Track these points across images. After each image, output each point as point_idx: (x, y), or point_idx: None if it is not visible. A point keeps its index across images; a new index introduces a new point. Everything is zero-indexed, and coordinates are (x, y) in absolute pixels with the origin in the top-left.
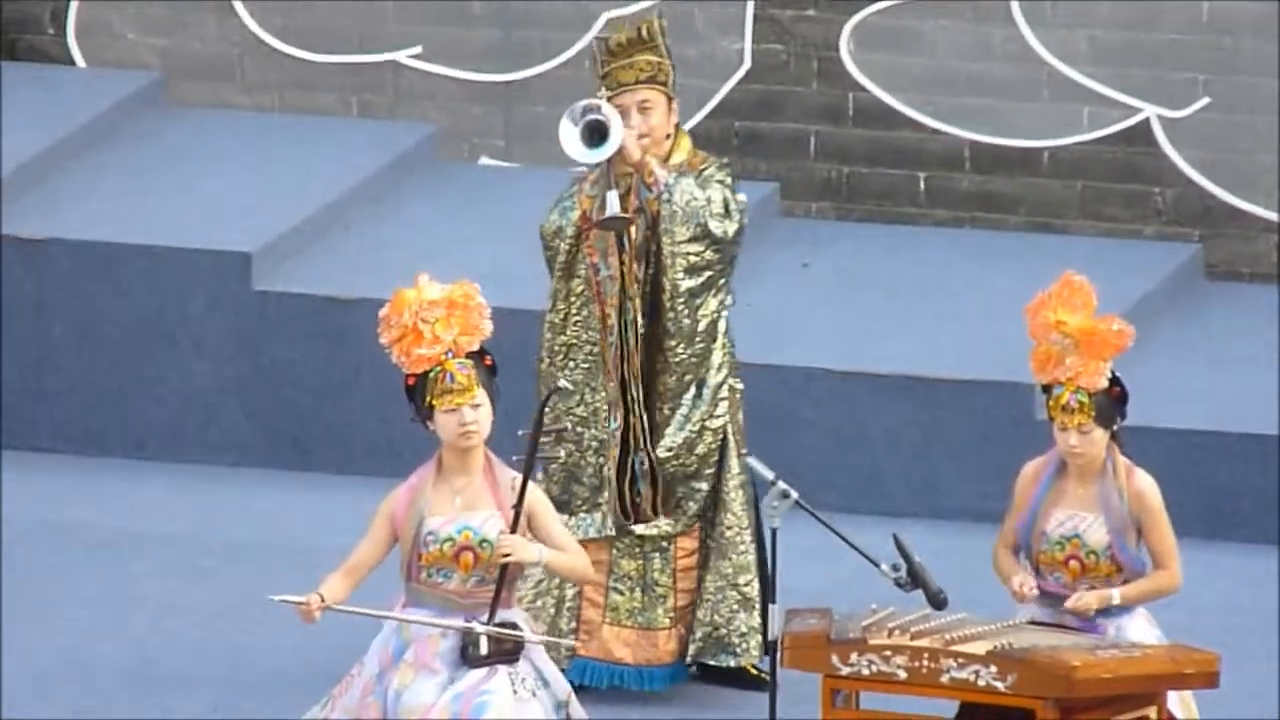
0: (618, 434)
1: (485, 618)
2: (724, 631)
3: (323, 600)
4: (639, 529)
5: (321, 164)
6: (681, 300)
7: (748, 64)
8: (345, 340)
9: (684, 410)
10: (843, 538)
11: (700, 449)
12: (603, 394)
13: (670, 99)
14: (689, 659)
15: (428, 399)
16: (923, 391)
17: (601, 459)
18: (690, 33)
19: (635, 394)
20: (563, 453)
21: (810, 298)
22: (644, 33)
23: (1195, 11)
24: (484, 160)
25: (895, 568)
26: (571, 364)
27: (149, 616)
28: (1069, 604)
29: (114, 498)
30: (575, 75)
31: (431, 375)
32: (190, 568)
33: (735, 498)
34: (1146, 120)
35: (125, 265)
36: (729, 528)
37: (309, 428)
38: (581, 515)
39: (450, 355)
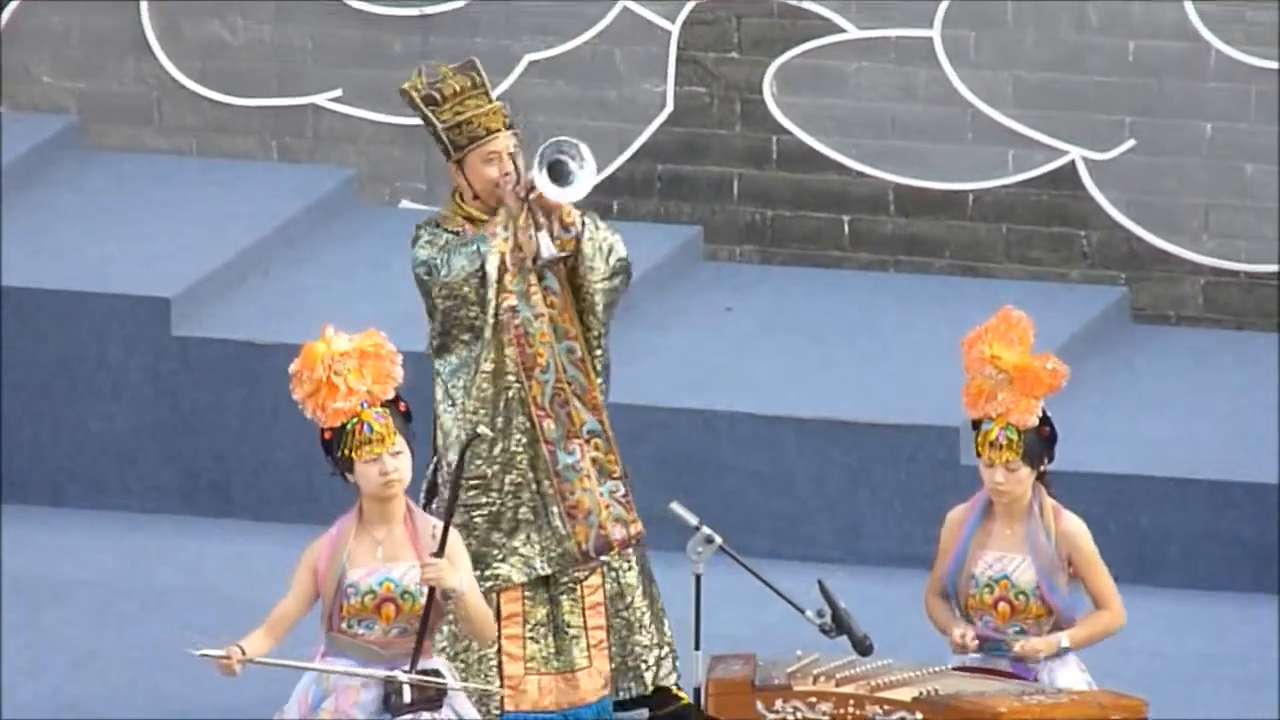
0: (580, 464)
1: (407, 666)
2: (678, 648)
3: (243, 653)
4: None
5: (241, 208)
6: (605, 336)
7: (670, 106)
8: (265, 385)
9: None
10: (767, 583)
11: None
12: (517, 437)
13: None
14: (650, 687)
15: (346, 451)
16: (847, 435)
17: (518, 501)
18: (612, 74)
19: (604, 423)
20: (484, 499)
21: (734, 341)
22: (477, 79)
23: (1120, 53)
24: (405, 203)
25: (820, 614)
26: (497, 411)
27: (67, 663)
28: (1017, 649)
29: (32, 544)
30: None
31: (348, 428)
32: (109, 614)
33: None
34: (1072, 162)
35: (43, 310)
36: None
37: (228, 473)
38: (499, 564)
39: (366, 405)
